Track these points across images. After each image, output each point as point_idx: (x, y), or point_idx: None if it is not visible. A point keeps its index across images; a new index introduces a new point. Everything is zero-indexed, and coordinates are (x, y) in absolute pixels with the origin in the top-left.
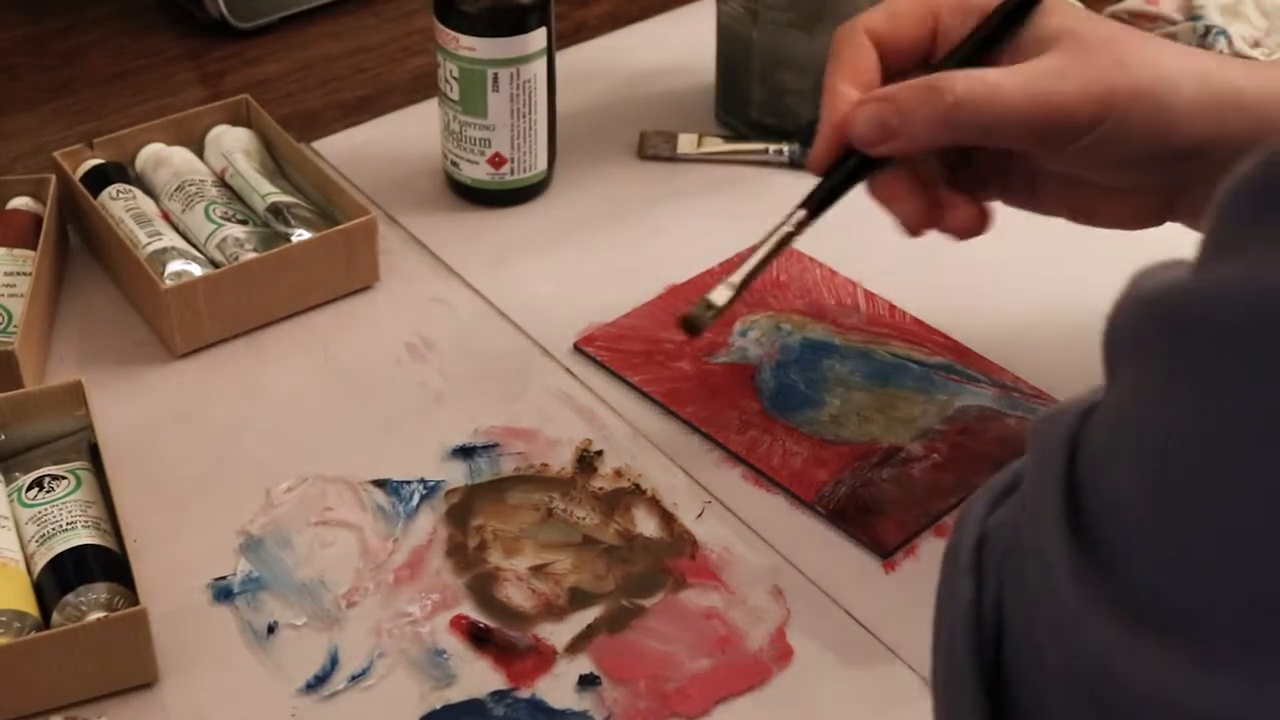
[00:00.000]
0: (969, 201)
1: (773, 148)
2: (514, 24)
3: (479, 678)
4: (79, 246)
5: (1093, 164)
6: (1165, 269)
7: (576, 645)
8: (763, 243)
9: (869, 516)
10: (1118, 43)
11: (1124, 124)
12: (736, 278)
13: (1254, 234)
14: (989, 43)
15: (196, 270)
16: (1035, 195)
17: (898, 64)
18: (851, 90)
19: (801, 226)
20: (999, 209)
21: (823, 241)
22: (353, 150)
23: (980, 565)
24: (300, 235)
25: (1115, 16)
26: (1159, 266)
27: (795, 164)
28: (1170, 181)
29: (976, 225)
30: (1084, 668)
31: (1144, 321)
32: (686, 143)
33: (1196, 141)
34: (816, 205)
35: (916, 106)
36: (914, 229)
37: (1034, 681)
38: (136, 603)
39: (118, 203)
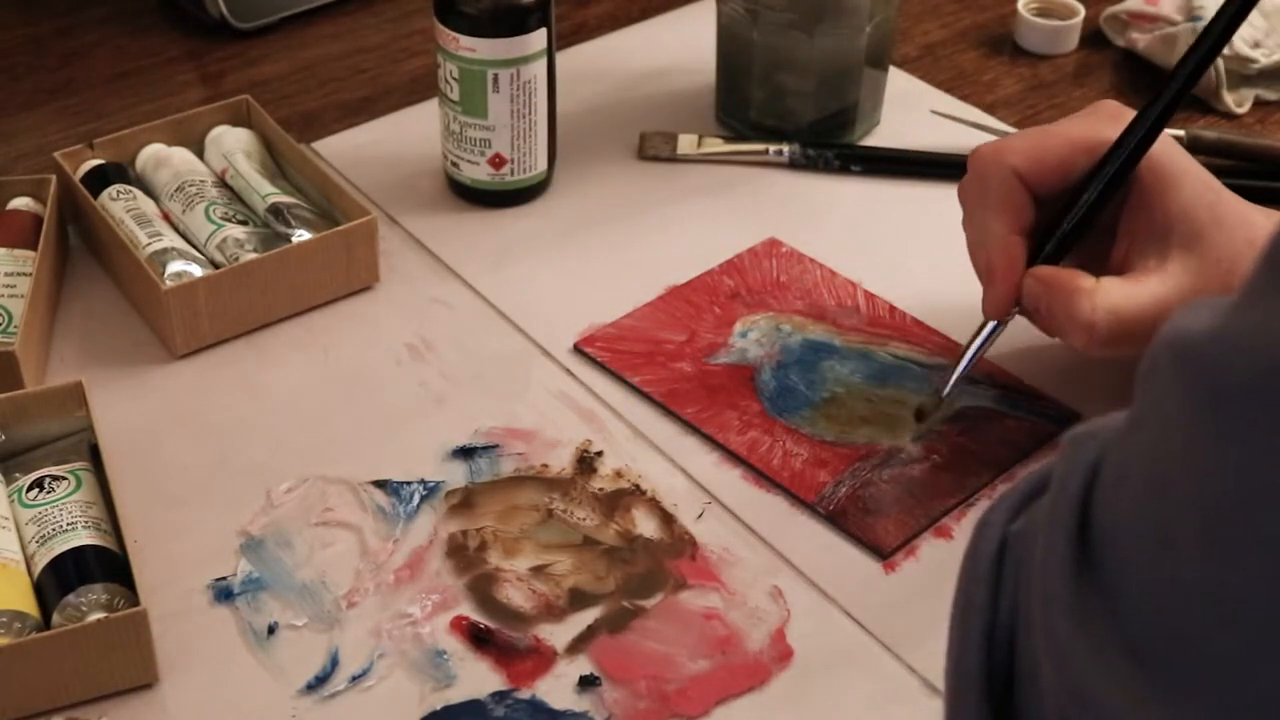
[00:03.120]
0: None
1: (773, 148)
2: (514, 24)
3: (479, 678)
4: (79, 247)
5: None
6: (1204, 308)
7: (576, 646)
8: (969, 345)
9: (869, 517)
10: (1230, 251)
11: None
12: (952, 377)
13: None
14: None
15: (197, 271)
16: None
17: (1041, 196)
18: (1019, 242)
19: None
20: None
21: (823, 242)
22: (353, 151)
23: (999, 574)
24: (300, 236)
25: (1115, 17)
26: (1200, 305)
27: (795, 164)
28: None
29: None
30: (1074, 695)
31: (1160, 358)
32: (686, 143)
33: None
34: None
35: (1066, 327)
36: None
37: (1036, 702)
38: (137, 603)
39: (118, 203)
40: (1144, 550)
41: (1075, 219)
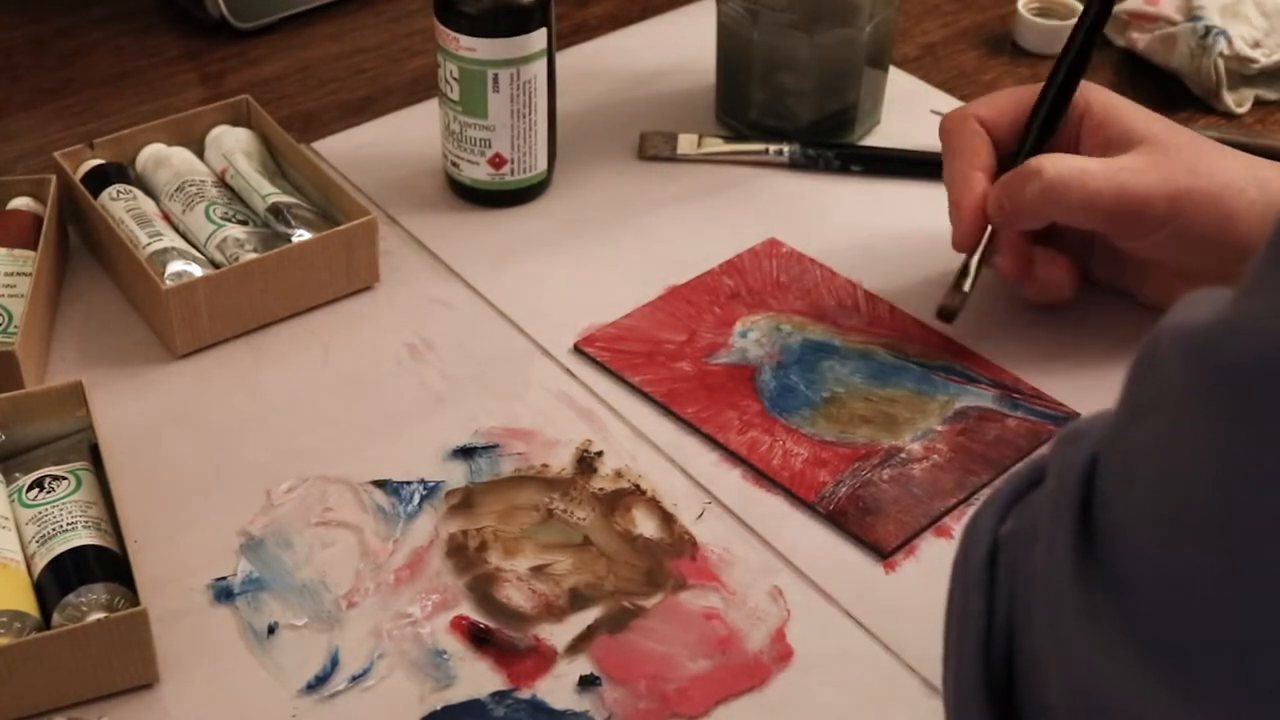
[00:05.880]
0: (1059, 262)
1: (773, 148)
2: (514, 24)
3: (479, 678)
4: (79, 247)
5: (1164, 251)
6: (1205, 300)
7: (577, 646)
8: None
9: (869, 517)
10: (1191, 150)
11: (1193, 220)
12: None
13: None
14: (1051, 120)
15: (197, 271)
16: (1116, 276)
17: (1002, 149)
18: (980, 176)
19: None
20: None
21: (823, 242)
22: (353, 150)
23: (992, 578)
24: (300, 236)
25: (1115, 17)
26: (1200, 297)
27: (795, 164)
28: (1227, 269)
29: (1063, 283)
30: (1084, 694)
31: (1161, 349)
32: (686, 143)
33: (1252, 240)
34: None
35: (1019, 187)
36: (1010, 278)
37: (1042, 704)
38: (137, 603)
39: (118, 203)
40: (1154, 539)
41: (1030, 139)
